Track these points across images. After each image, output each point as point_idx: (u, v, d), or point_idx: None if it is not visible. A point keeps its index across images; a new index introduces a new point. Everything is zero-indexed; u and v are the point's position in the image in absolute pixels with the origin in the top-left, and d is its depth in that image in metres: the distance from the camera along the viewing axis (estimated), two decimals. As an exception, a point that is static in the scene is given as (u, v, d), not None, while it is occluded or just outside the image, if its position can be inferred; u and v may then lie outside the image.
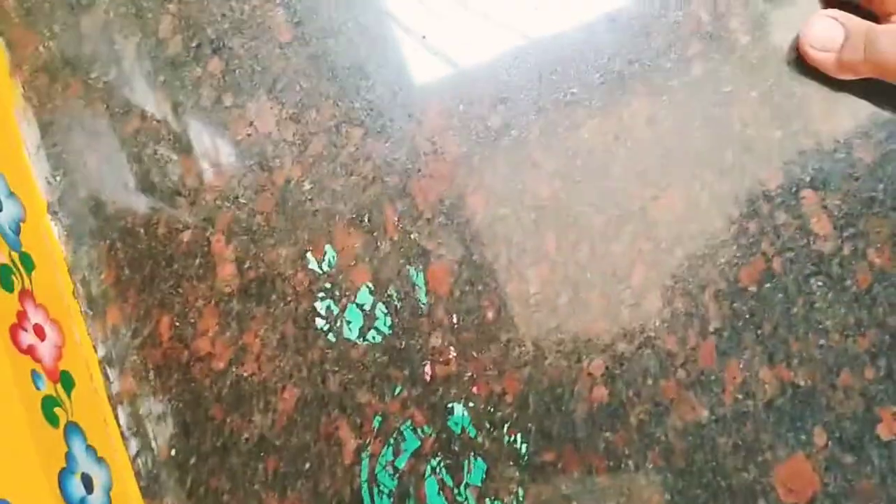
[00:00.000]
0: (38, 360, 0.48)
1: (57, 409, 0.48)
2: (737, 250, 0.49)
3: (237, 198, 0.54)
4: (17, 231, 0.52)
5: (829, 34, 0.48)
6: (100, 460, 0.50)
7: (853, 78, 0.48)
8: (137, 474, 0.53)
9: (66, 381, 0.50)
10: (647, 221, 0.50)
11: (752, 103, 0.50)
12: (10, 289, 0.48)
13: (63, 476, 0.46)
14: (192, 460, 0.52)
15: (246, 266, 0.53)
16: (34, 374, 0.47)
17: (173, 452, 0.53)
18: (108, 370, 0.54)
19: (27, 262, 0.51)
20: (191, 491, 0.52)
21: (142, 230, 0.55)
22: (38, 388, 0.47)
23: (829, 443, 0.47)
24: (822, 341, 0.48)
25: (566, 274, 0.50)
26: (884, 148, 0.49)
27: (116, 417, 0.53)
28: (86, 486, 0.48)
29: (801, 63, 0.49)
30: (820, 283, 0.48)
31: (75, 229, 0.55)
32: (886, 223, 0.48)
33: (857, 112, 0.49)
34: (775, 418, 0.48)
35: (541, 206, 0.51)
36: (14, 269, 0.49)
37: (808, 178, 0.49)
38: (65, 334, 0.52)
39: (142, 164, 0.55)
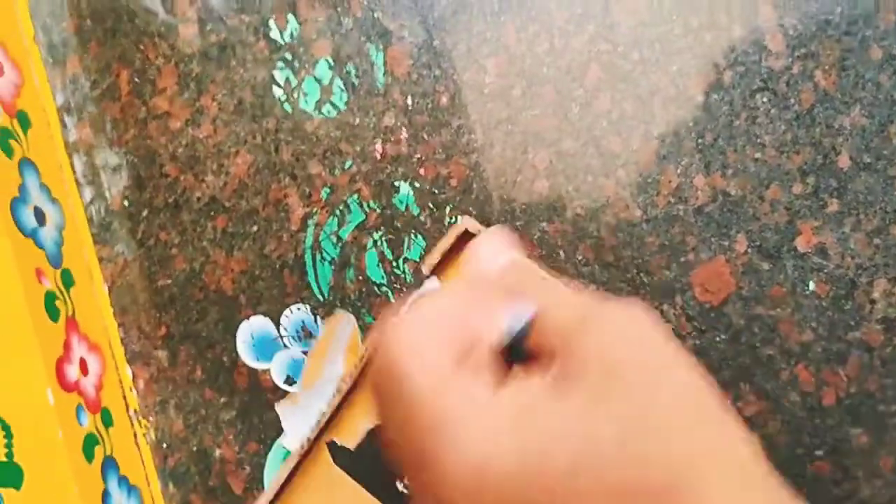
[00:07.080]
0: (-8, 92, 0.49)
1: (11, 142, 0.49)
2: (690, 59, 0.50)
3: (204, -39, 0.53)
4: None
5: None
6: (53, 200, 0.52)
7: None
8: (90, 220, 0.54)
9: (23, 119, 0.51)
10: (608, 23, 0.51)
11: (728, -86, 0.50)
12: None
13: (15, 204, 0.47)
14: (144, 213, 0.54)
15: (208, 28, 0.53)
16: (-11, 104, 0.48)
17: (126, 203, 0.54)
18: (66, 118, 0.54)
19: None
20: (141, 241, 0.54)
21: (106, -17, 0.54)
22: (-10, 119, 0.48)
23: (749, 250, 0.50)
24: (757, 155, 0.50)
25: (523, 66, 0.51)
26: (849, -28, 0.49)
27: (72, 165, 0.54)
28: (38, 219, 0.49)
29: None
30: (765, 100, 0.50)
31: (38, -25, 0.55)
32: (837, 46, 0.49)
33: (829, -66, 0.49)
34: (703, 223, 0.50)
35: (506, -2, 0.51)
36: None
37: (770, -5, 0.50)
38: (24, 76, 0.52)
39: (109, -84, 0.54)
